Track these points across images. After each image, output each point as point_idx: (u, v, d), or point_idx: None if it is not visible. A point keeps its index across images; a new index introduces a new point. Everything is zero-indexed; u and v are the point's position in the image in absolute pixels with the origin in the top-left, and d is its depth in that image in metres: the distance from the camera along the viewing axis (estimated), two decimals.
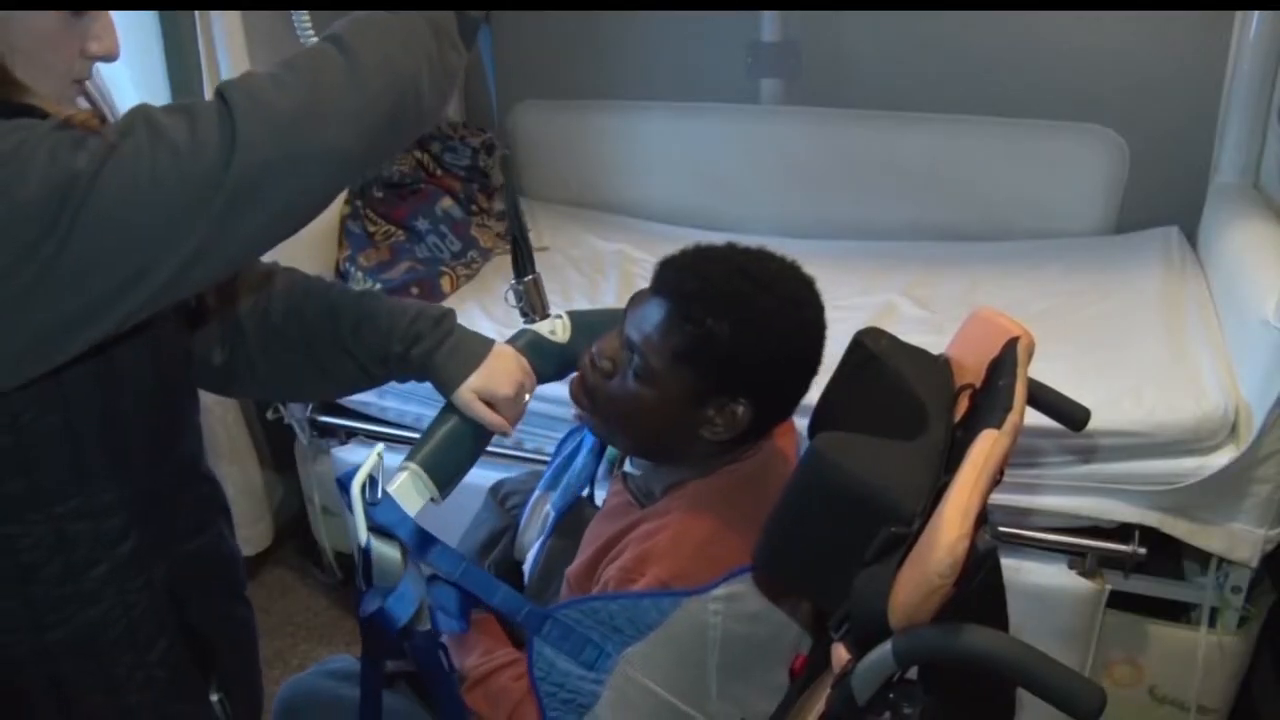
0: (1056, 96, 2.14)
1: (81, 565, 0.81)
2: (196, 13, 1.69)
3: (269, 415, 1.99)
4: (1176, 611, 1.61)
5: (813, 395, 1.06)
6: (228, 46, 1.74)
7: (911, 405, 0.97)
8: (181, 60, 1.69)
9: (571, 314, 1.16)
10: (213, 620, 0.94)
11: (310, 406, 1.97)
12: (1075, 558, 1.55)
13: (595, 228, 2.34)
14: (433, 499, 0.99)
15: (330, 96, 0.71)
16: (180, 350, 0.91)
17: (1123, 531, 1.51)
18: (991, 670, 0.75)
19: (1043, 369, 1.60)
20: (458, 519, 1.30)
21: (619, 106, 2.47)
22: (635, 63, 2.46)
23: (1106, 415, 1.47)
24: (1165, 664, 1.59)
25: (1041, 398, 1.07)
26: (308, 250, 2.00)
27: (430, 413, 1.82)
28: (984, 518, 0.82)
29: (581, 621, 0.96)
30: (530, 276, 1.25)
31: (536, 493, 1.25)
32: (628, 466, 1.14)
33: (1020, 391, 0.93)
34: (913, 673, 0.84)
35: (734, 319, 0.97)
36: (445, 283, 2.06)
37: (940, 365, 1.07)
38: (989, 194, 2.23)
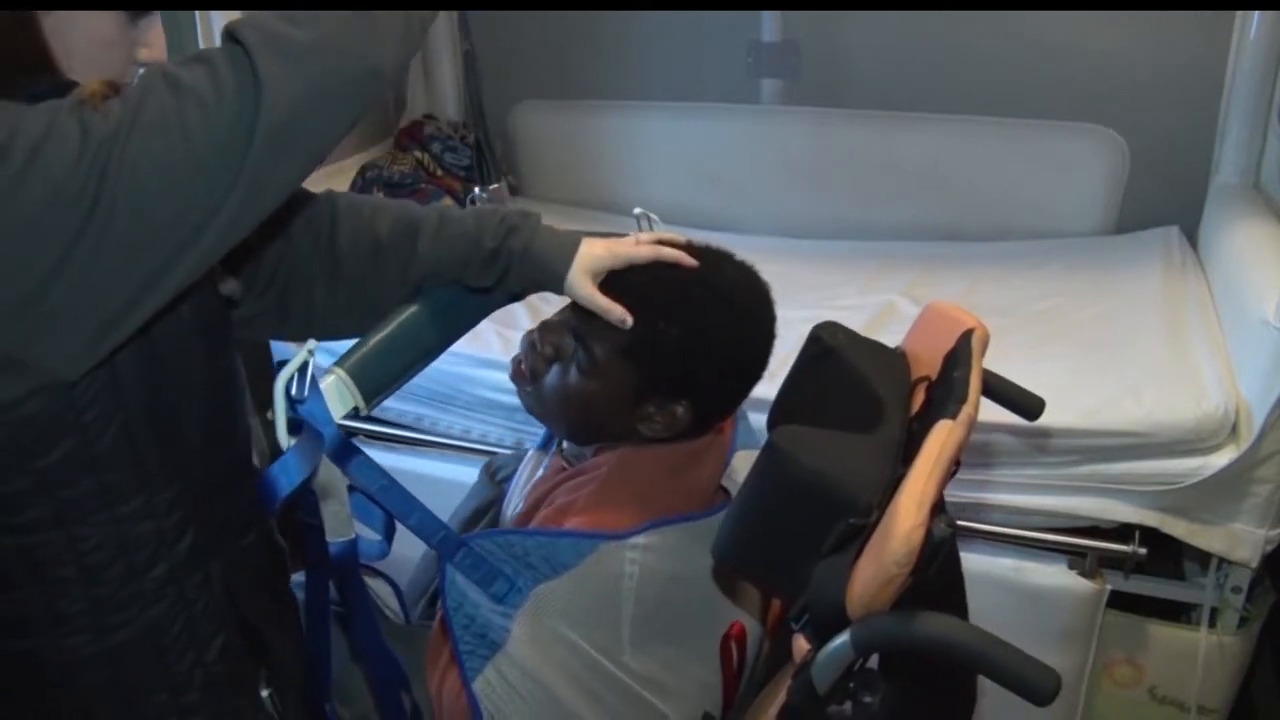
0: (1056, 96, 2.14)
1: (143, 565, 0.81)
2: (197, 13, 1.69)
3: (269, 415, 1.99)
4: (1177, 612, 1.60)
5: (771, 389, 1.06)
6: None
7: (868, 398, 0.97)
8: None
9: None
10: (264, 616, 0.94)
11: None
12: (1075, 558, 1.54)
13: (595, 228, 2.32)
14: (357, 408, 0.96)
15: (344, 20, 0.71)
16: (224, 329, 0.90)
17: (1123, 532, 1.51)
18: (948, 656, 0.77)
19: (1043, 369, 1.61)
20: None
21: (619, 106, 2.47)
22: (635, 63, 2.46)
23: (1106, 415, 1.47)
24: (1165, 664, 1.59)
25: (997, 389, 1.09)
26: None
27: (431, 413, 1.84)
28: (940, 507, 0.83)
29: (495, 553, 0.95)
30: (496, 185, 1.22)
31: (529, 452, 1.23)
32: (565, 445, 1.15)
33: (975, 383, 0.94)
34: (873, 661, 0.85)
35: (684, 324, 0.98)
36: None
37: (896, 358, 1.08)
38: (989, 194, 2.23)
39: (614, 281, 0.99)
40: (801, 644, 0.85)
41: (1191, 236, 2.04)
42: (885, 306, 1.92)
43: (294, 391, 0.89)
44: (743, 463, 1.08)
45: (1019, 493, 1.53)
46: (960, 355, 0.98)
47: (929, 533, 0.76)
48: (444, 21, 2.50)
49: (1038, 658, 0.74)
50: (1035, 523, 1.55)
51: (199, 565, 0.84)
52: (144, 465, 0.79)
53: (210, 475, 0.86)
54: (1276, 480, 1.41)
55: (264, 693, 0.93)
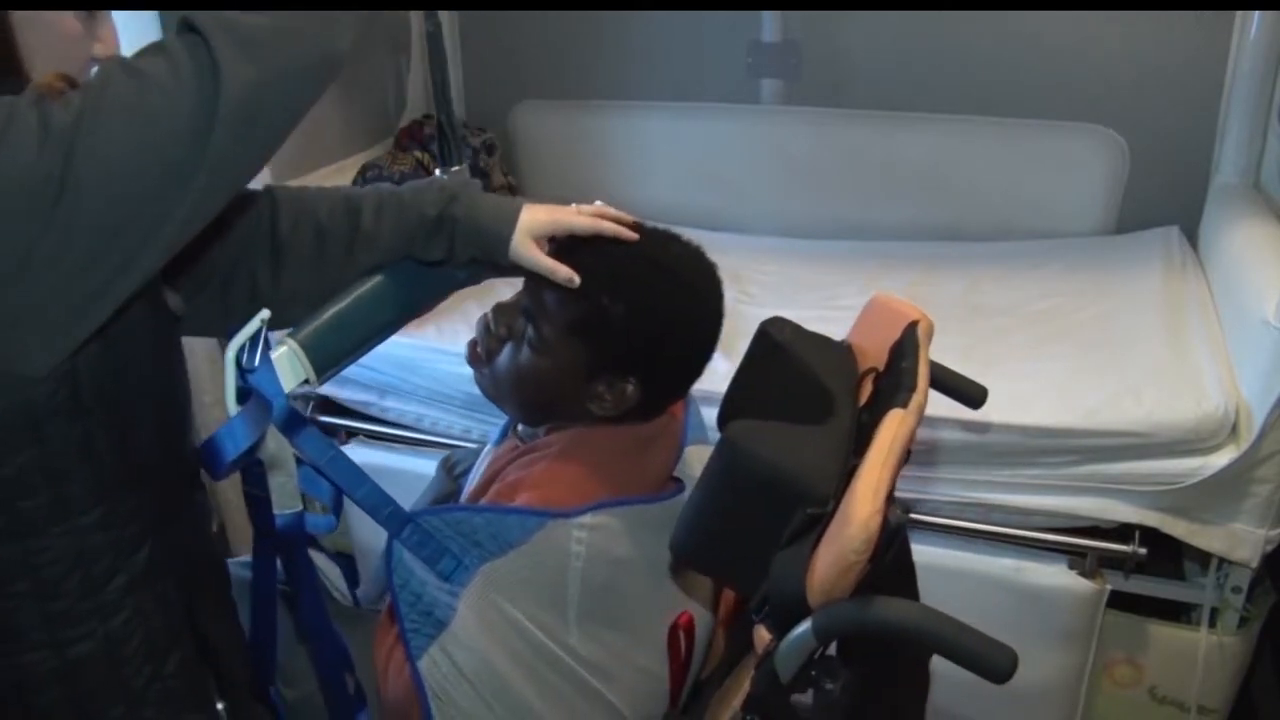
0: (1056, 96, 2.14)
1: (102, 578, 0.80)
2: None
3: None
4: (1177, 612, 1.61)
5: (721, 385, 1.07)
6: None
7: (818, 391, 0.99)
8: None
9: None
10: (217, 627, 0.94)
11: (310, 406, 1.97)
12: (1075, 558, 1.54)
13: None
14: (307, 380, 0.95)
15: (298, 13, 0.72)
16: (174, 340, 0.90)
17: (1123, 532, 1.51)
18: (908, 639, 0.78)
19: (1043, 369, 1.62)
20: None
21: (619, 106, 2.47)
22: (635, 63, 2.46)
23: (1106, 415, 1.47)
24: (1165, 664, 1.59)
25: (941, 379, 1.11)
26: None
27: (431, 413, 1.84)
28: (892, 495, 0.85)
29: (442, 530, 0.94)
30: (458, 166, 1.21)
31: (487, 448, 1.23)
32: (519, 428, 1.15)
33: (923, 373, 0.96)
34: (833, 649, 0.86)
35: (630, 300, 0.99)
36: None
37: (843, 351, 1.10)
38: (989, 194, 2.23)
39: (560, 258, 1.00)
40: (763, 634, 0.86)
41: (1191, 236, 2.04)
42: None
43: (244, 360, 0.88)
44: (696, 455, 1.09)
45: (1019, 493, 1.53)
46: (906, 346, 1.00)
47: (885, 519, 0.77)
48: (444, 22, 2.50)
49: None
50: (1035, 523, 1.55)
51: (157, 577, 0.84)
52: (103, 476, 0.78)
53: (167, 487, 0.86)
54: (1276, 480, 1.41)
55: (219, 705, 0.93)
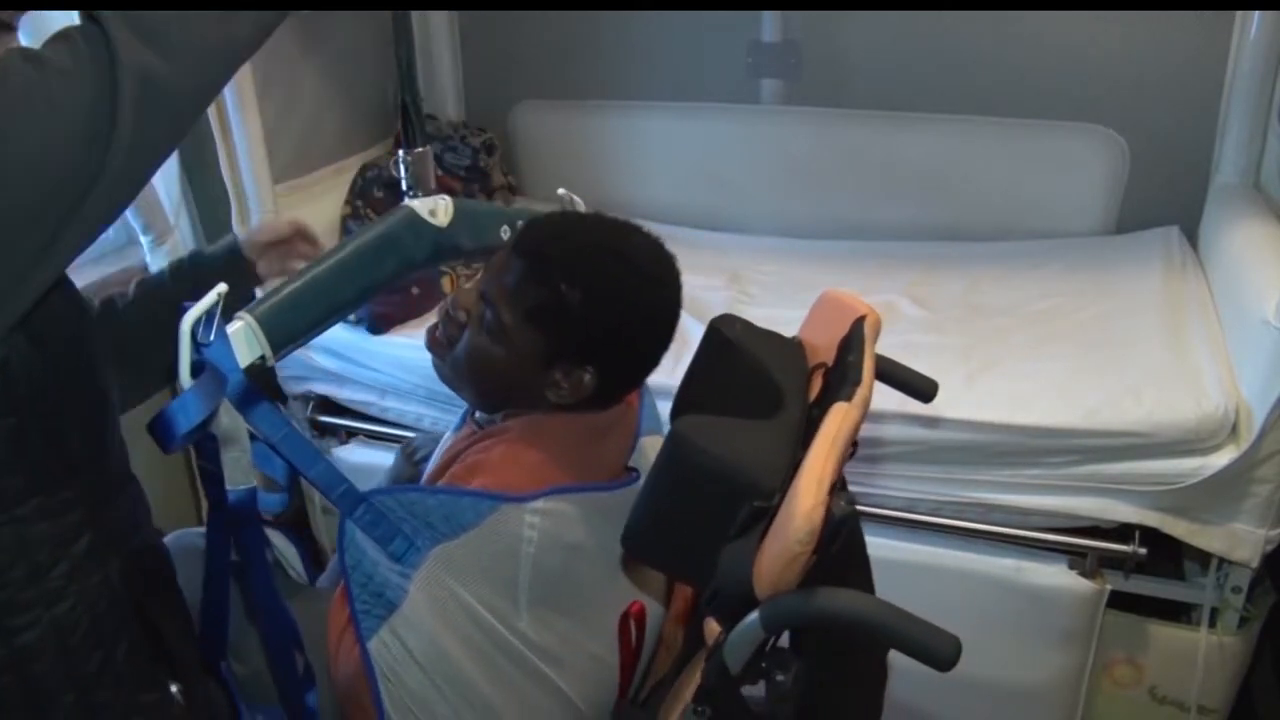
0: (1056, 96, 2.13)
1: (45, 565, 0.82)
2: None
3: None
4: (1177, 611, 1.60)
5: (669, 380, 1.08)
6: None
7: (767, 387, 1.01)
8: None
9: (458, 201, 1.13)
10: (163, 613, 0.95)
11: (311, 406, 1.97)
12: (1075, 558, 1.54)
13: None
14: (263, 357, 0.95)
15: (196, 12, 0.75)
16: (93, 332, 0.91)
17: (1123, 532, 1.51)
18: (854, 629, 0.79)
19: (1043, 369, 1.62)
20: None
21: (619, 106, 2.47)
22: (635, 63, 2.46)
23: (1107, 415, 1.47)
24: (1165, 664, 1.59)
25: (892, 373, 1.13)
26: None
27: (432, 413, 1.84)
28: (843, 486, 0.86)
29: (395, 511, 0.93)
30: (421, 149, 1.21)
31: (447, 435, 1.22)
32: (477, 415, 1.15)
33: (868, 366, 0.98)
34: (785, 641, 0.88)
35: (587, 287, 0.99)
36: (446, 283, 2.06)
37: (793, 347, 1.11)
38: (989, 194, 2.23)
39: (520, 245, 1.01)
40: (713, 626, 0.87)
41: (1191, 236, 2.04)
42: (885, 306, 1.92)
43: (199, 335, 0.88)
44: (651, 445, 1.09)
45: (1019, 493, 1.53)
46: (853, 341, 1.02)
47: (829, 511, 0.78)
48: (444, 22, 2.51)
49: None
50: (1035, 523, 1.55)
51: (98, 565, 0.86)
52: (37, 468, 0.80)
53: (101, 477, 0.87)
54: (1276, 480, 1.41)
55: (173, 688, 0.94)
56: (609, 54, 2.47)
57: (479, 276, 1.07)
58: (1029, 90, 2.15)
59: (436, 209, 1.09)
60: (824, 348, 1.08)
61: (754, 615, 0.82)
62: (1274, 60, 1.90)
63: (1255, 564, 1.46)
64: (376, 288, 1.07)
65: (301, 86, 2.06)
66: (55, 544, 0.82)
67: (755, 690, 0.87)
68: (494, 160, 2.42)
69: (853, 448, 0.89)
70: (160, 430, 0.87)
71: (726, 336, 1.05)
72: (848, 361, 1.00)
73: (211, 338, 0.88)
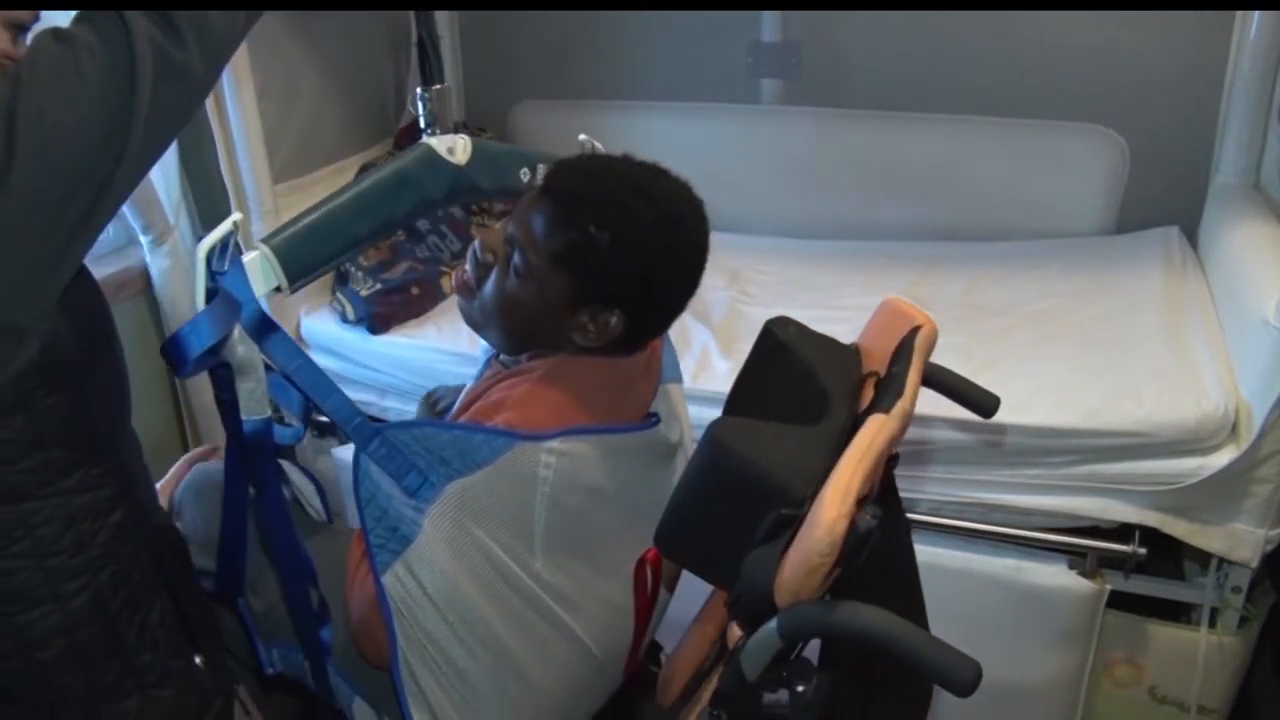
0: (1056, 96, 2.14)
1: (89, 534, 0.85)
2: None
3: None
4: (1177, 611, 1.61)
5: (722, 384, 1.07)
6: None
7: (814, 391, 0.99)
8: None
9: (477, 141, 1.12)
10: (182, 586, 0.98)
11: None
12: (1075, 558, 1.54)
13: None
14: (279, 287, 0.95)
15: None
16: (110, 318, 0.93)
17: (1123, 531, 1.51)
18: (871, 645, 0.78)
19: (1043, 369, 1.62)
20: None
21: (619, 106, 2.47)
22: (635, 63, 2.46)
23: (1107, 415, 1.47)
24: (1165, 664, 1.59)
25: (953, 386, 1.10)
26: None
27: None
28: (879, 497, 0.85)
29: (410, 445, 0.92)
30: (439, 86, 1.21)
31: (468, 386, 1.22)
32: (502, 357, 1.15)
33: (913, 379, 0.96)
34: (809, 652, 0.87)
35: (616, 229, 0.98)
36: (445, 283, 2.06)
37: (849, 353, 1.09)
38: (989, 194, 2.23)
39: (549, 187, 1.01)
40: (735, 631, 0.87)
41: (1191, 236, 2.04)
42: None
43: (215, 263, 0.88)
44: (674, 393, 1.09)
45: (1019, 493, 1.53)
46: (904, 351, 1.00)
47: (853, 523, 0.77)
48: (444, 22, 2.50)
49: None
50: (1035, 523, 1.55)
51: (128, 537, 0.89)
52: (80, 442, 0.84)
53: (128, 455, 0.92)
54: (1276, 480, 1.41)
55: (196, 659, 0.97)
56: (609, 54, 2.47)
57: (504, 219, 1.06)
58: (1029, 90, 2.15)
59: (455, 147, 1.09)
60: (879, 355, 1.05)
61: (772, 623, 0.81)
62: (1274, 60, 1.90)
63: (1255, 564, 1.46)
64: (394, 224, 1.06)
65: (301, 86, 2.05)
66: (95, 514, 0.86)
67: (781, 697, 0.87)
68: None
69: (893, 460, 0.88)
70: (173, 352, 0.89)
71: (779, 339, 1.04)
72: (894, 372, 0.98)
73: (227, 266, 0.88)
